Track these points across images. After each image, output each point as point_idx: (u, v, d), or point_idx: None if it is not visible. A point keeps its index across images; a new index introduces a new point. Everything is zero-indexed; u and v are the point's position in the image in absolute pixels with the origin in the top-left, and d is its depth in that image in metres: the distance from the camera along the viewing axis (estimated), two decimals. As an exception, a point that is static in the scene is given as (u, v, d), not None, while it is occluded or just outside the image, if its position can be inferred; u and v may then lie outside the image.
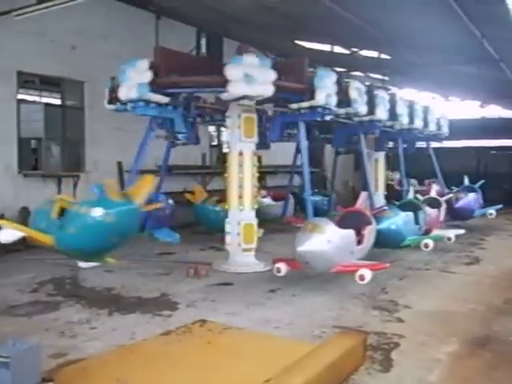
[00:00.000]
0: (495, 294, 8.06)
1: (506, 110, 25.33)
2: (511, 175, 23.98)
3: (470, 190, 15.29)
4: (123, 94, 8.91)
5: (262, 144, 12.44)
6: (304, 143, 9.66)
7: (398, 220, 10.03)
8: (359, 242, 8.50)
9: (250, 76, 8.21)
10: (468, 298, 7.71)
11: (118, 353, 5.04)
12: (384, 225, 9.62)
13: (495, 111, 25.46)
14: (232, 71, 8.25)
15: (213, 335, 5.35)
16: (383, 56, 15.72)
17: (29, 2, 9.95)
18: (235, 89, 8.29)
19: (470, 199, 14.67)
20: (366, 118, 11.09)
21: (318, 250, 7.59)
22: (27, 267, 9.37)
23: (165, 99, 9.06)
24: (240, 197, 9.44)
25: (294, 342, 5.44)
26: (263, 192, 15.32)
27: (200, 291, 7.88)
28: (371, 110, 10.89)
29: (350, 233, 8.24)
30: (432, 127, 14.63)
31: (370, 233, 8.85)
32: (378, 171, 14.11)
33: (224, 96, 8.75)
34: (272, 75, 8.42)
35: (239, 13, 12.88)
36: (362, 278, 7.72)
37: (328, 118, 9.53)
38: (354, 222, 8.69)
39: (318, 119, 9.53)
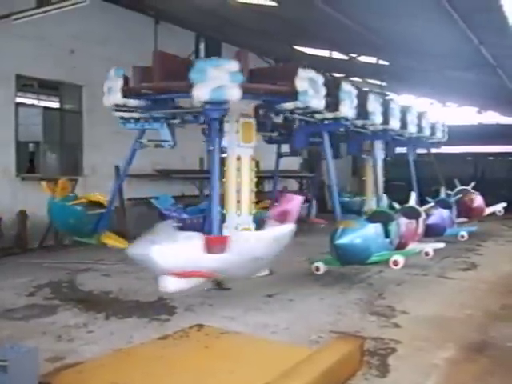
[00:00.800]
0: (492, 299, 8.08)
1: (504, 116, 25.44)
2: (509, 181, 24.06)
3: (445, 204, 13.60)
4: None
5: (293, 151, 12.52)
6: (215, 145, 8.51)
7: (364, 233, 8.75)
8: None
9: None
10: (465, 303, 7.71)
11: (115, 357, 5.03)
12: (346, 239, 8.35)
13: (493, 117, 25.58)
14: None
15: (210, 339, 5.35)
16: (381, 62, 15.78)
17: (28, 6, 9.98)
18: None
19: (442, 216, 13.00)
20: (330, 115, 9.73)
21: (140, 253, 6.80)
22: (24, 270, 9.36)
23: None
24: (238, 201, 9.43)
25: (292, 347, 5.44)
26: None
27: (197, 295, 7.85)
28: (335, 105, 9.74)
29: (195, 238, 7.14)
30: (412, 129, 12.84)
31: (242, 241, 7.57)
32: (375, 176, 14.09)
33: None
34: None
35: (238, 18, 12.93)
36: (163, 287, 6.76)
37: (219, 114, 8.46)
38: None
39: (215, 117, 8.35)
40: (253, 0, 11.29)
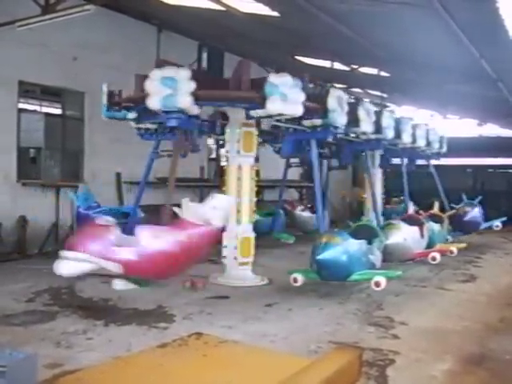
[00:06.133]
0: (491, 311, 8.09)
1: (504, 128, 25.50)
2: (508, 194, 24.07)
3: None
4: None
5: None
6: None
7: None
8: None
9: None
10: (464, 315, 7.72)
11: (114, 364, 5.02)
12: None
13: (493, 130, 25.63)
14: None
15: (209, 348, 5.33)
16: (382, 73, 15.84)
17: (32, 13, 10.04)
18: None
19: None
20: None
21: None
22: (24, 276, 9.37)
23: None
24: (238, 210, 9.47)
25: (290, 357, 5.43)
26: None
27: (196, 304, 7.87)
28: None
29: None
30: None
31: None
32: (375, 187, 14.11)
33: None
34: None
35: (240, 28, 12.99)
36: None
37: None
38: None
39: None
40: (255, 10, 11.34)
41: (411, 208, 13.64)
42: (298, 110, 8.72)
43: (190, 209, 7.71)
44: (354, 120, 10.56)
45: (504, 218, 15.56)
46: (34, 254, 11.64)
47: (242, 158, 9.48)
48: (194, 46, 13.39)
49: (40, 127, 12.80)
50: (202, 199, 15.14)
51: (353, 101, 11.04)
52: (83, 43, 12.72)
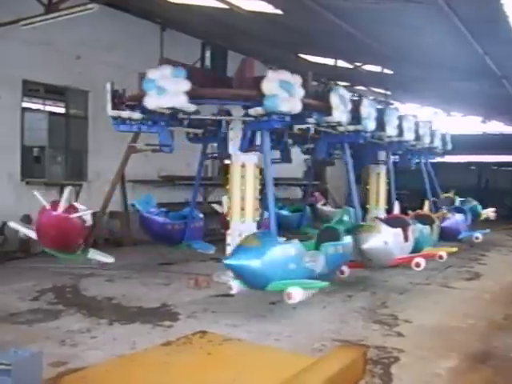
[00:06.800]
0: (495, 309, 8.07)
1: (508, 126, 25.43)
2: None
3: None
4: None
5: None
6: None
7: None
8: None
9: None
10: (468, 313, 7.71)
11: (119, 362, 5.04)
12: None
13: (497, 127, 25.58)
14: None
15: (213, 346, 5.35)
16: (386, 71, 15.81)
17: (36, 12, 10.05)
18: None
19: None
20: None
21: None
22: (28, 275, 9.38)
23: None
24: (242, 209, 9.44)
25: (294, 355, 5.44)
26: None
27: (200, 302, 7.88)
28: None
29: None
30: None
31: None
32: (379, 185, 14.08)
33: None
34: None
35: (244, 26, 12.98)
36: None
37: None
38: None
39: None
40: (259, 8, 11.33)
41: (397, 208, 11.98)
42: (179, 101, 8.26)
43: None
44: (325, 108, 9.45)
45: (487, 230, 14.49)
46: (38, 252, 11.62)
47: (246, 156, 9.43)
48: (198, 44, 13.35)
49: (44, 126, 12.84)
50: (205, 198, 15.32)
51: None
52: (87, 42, 12.73)
